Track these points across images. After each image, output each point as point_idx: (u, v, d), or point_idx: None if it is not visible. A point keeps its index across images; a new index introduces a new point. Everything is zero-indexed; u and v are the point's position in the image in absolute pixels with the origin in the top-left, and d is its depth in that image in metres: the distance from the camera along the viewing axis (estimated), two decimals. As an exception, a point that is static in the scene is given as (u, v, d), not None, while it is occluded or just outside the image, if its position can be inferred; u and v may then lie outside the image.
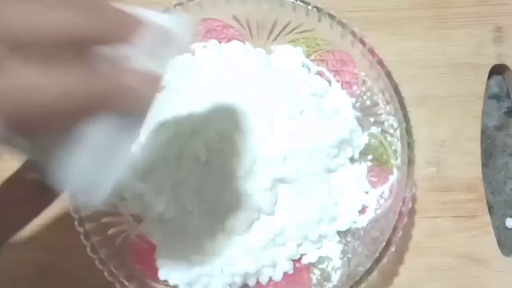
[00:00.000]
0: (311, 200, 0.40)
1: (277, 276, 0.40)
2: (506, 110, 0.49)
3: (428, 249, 0.45)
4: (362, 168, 0.42)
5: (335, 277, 0.40)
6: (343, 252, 0.40)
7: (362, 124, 0.43)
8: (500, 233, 0.47)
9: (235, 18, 0.43)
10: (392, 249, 0.37)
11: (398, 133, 0.39)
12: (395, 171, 0.40)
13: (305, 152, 0.40)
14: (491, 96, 0.49)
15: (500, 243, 0.45)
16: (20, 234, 0.40)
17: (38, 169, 0.25)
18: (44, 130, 0.23)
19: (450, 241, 0.45)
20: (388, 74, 0.39)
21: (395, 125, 0.39)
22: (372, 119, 0.42)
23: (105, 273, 0.37)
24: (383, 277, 0.44)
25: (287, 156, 0.39)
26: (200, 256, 0.39)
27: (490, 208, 0.47)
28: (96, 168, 0.26)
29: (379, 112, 0.41)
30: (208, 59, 0.43)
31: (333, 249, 0.41)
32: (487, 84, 0.48)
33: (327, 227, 0.41)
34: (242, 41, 0.44)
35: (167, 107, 0.40)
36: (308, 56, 0.44)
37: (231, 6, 0.41)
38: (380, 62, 0.39)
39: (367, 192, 0.42)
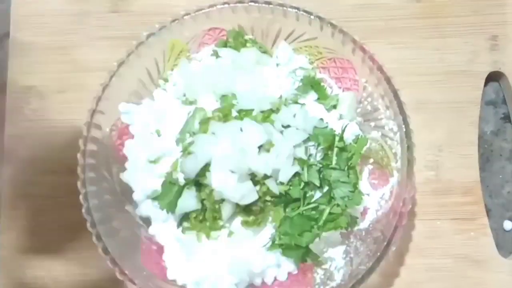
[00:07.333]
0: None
1: (282, 276, 0.41)
2: (502, 115, 0.51)
3: (427, 250, 0.47)
4: (364, 171, 0.44)
5: (338, 276, 0.41)
6: (346, 252, 0.42)
7: (363, 128, 0.44)
8: (498, 235, 0.48)
9: (240, 27, 0.44)
10: (393, 248, 0.38)
11: (397, 136, 0.41)
12: (395, 173, 0.41)
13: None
14: (488, 102, 0.51)
15: (498, 245, 0.47)
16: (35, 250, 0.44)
17: None
18: None
19: (449, 243, 0.47)
20: (388, 80, 0.40)
21: (395, 129, 0.41)
22: (372, 124, 0.44)
23: (116, 273, 0.38)
24: (384, 277, 0.46)
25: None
26: (208, 256, 0.40)
27: (488, 211, 0.48)
28: None
29: (379, 117, 0.43)
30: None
31: (336, 250, 0.42)
32: (483, 91, 0.50)
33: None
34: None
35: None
36: (310, 63, 0.45)
37: (237, 16, 0.43)
38: (380, 68, 0.41)
39: (368, 194, 0.43)
